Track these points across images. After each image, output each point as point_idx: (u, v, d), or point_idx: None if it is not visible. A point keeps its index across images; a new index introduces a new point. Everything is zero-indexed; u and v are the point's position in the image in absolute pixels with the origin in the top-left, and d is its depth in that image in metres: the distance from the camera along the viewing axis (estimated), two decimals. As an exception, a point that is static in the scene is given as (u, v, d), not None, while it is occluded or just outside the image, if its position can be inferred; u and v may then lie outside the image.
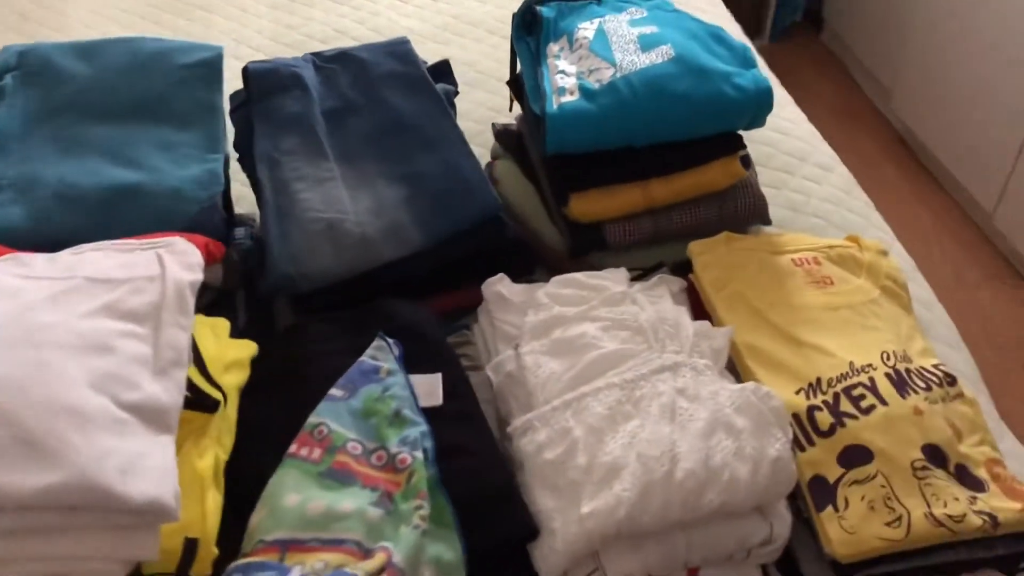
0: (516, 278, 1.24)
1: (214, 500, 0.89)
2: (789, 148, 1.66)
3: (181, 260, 0.98)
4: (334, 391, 1.02)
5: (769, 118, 1.70)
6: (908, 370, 1.10)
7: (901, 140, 3.05)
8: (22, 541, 0.76)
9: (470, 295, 1.25)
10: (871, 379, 1.08)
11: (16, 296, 0.88)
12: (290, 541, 0.88)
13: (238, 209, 1.40)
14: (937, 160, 2.84)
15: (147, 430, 0.83)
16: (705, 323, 1.13)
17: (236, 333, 1.13)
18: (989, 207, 2.61)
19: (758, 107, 1.29)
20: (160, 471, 0.80)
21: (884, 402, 1.05)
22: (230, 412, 0.99)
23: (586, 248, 1.36)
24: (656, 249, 1.36)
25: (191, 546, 0.84)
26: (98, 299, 0.90)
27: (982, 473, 1.04)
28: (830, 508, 0.99)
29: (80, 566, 0.79)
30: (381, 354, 1.07)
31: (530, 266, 1.36)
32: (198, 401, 0.93)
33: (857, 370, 1.09)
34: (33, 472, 0.74)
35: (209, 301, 1.19)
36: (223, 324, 1.09)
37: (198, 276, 0.98)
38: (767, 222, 1.42)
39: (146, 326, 0.90)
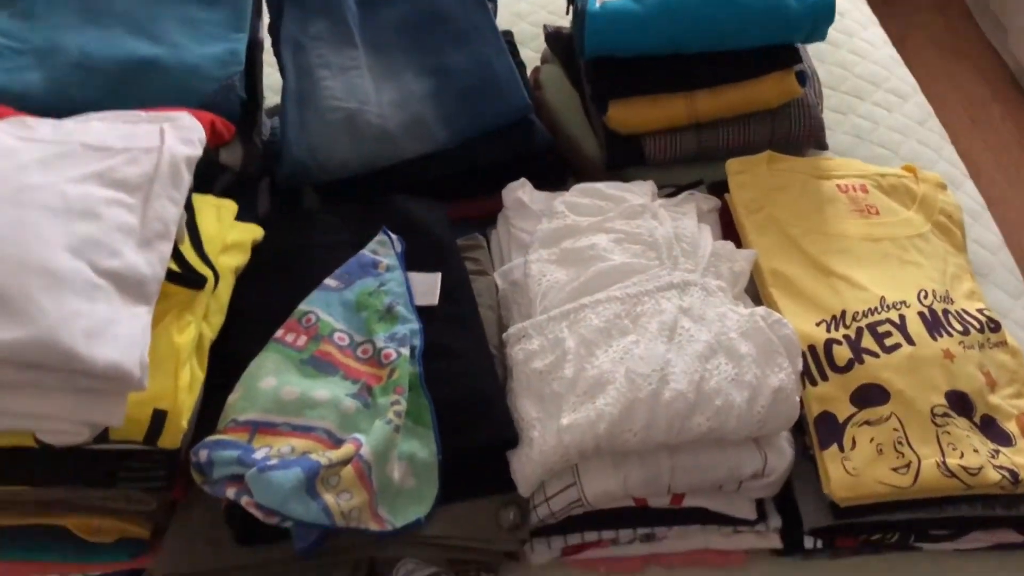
0: (547, 189, 1.18)
1: (191, 375, 0.88)
2: (863, 71, 1.54)
3: (182, 134, 0.96)
4: (329, 281, 1.00)
5: (846, 39, 1.59)
6: (946, 311, 1.02)
7: (1014, 81, 2.82)
8: (-15, 393, 0.76)
9: (497, 204, 1.20)
10: (901, 316, 0.99)
11: (9, 156, 0.88)
12: (261, 423, 0.87)
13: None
14: (1050, 104, 2.61)
15: (122, 298, 0.82)
16: (728, 244, 1.06)
17: (255, 221, 1.12)
18: (1101, 159, 2.39)
19: (816, 18, 1.18)
20: (128, 339, 0.79)
21: (911, 342, 0.97)
22: (222, 292, 0.98)
23: (624, 161, 1.29)
24: (699, 168, 1.28)
25: (159, 417, 0.83)
26: (91, 166, 0.89)
27: (1012, 427, 0.95)
28: (835, 447, 0.92)
29: (46, 425, 0.79)
30: (382, 249, 1.04)
31: (563, 177, 1.30)
32: (186, 276, 0.92)
33: (888, 306, 1.01)
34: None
35: (228, 184, 1.18)
36: (230, 206, 1.07)
37: (197, 151, 0.96)
38: (823, 147, 1.32)
39: (136, 196, 0.89)
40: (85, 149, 0.92)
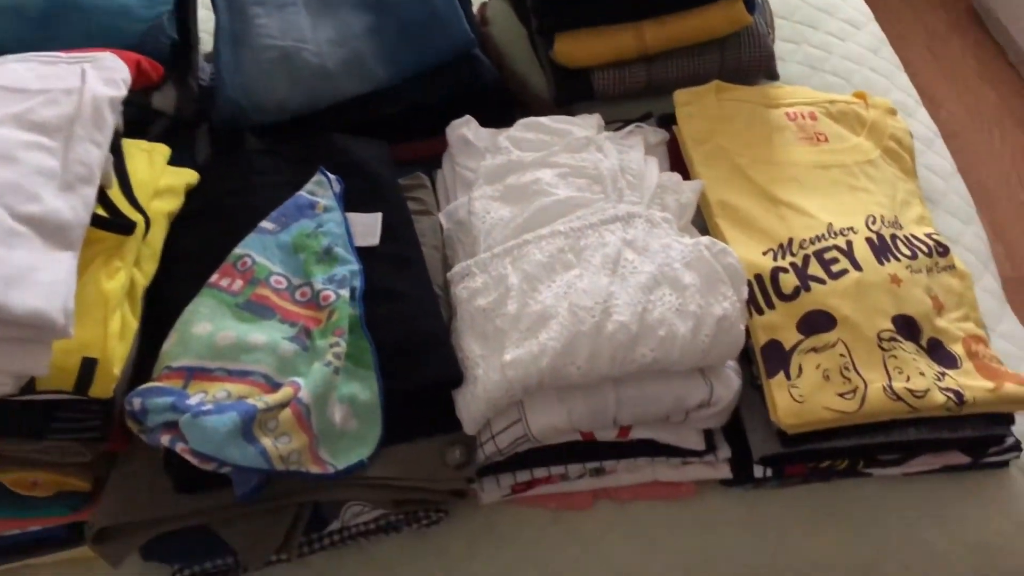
0: (494, 127, 1.15)
1: (122, 323, 0.86)
2: (816, 1, 1.51)
3: (105, 75, 0.93)
4: (265, 224, 0.97)
5: (802, -33, 1.56)
6: (894, 236, 1.01)
7: (974, 12, 2.80)
8: (-99, 345, 0.74)
9: (443, 144, 1.17)
10: (849, 243, 0.98)
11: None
12: (196, 369, 0.85)
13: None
14: (1010, 36, 2.60)
15: (44, 244, 0.79)
16: (675, 175, 1.05)
17: (192, 168, 1.08)
18: (1060, 89, 2.39)
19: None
20: (49, 285, 0.76)
21: (858, 267, 0.96)
22: (154, 238, 0.95)
23: (572, 96, 1.26)
24: (650, 102, 1.26)
25: (89, 366, 0.81)
26: (7, 108, 0.86)
27: (958, 349, 0.95)
28: (782, 375, 0.92)
29: (-34, 375, 0.77)
30: (320, 189, 1.01)
31: (511, 115, 1.27)
32: (113, 222, 0.89)
33: (835, 232, 1.00)
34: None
35: (163, 130, 1.14)
36: (162, 150, 1.04)
37: (121, 92, 0.92)
38: (774, 76, 1.30)
39: (56, 139, 0.86)
40: (1, 91, 0.88)
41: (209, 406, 0.80)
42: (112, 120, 0.91)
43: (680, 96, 1.15)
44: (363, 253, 0.97)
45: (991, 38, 2.73)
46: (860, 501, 0.97)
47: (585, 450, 0.92)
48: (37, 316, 0.74)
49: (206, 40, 1.30)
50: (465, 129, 1.13)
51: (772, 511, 0.97)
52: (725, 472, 0.96)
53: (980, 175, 2.29)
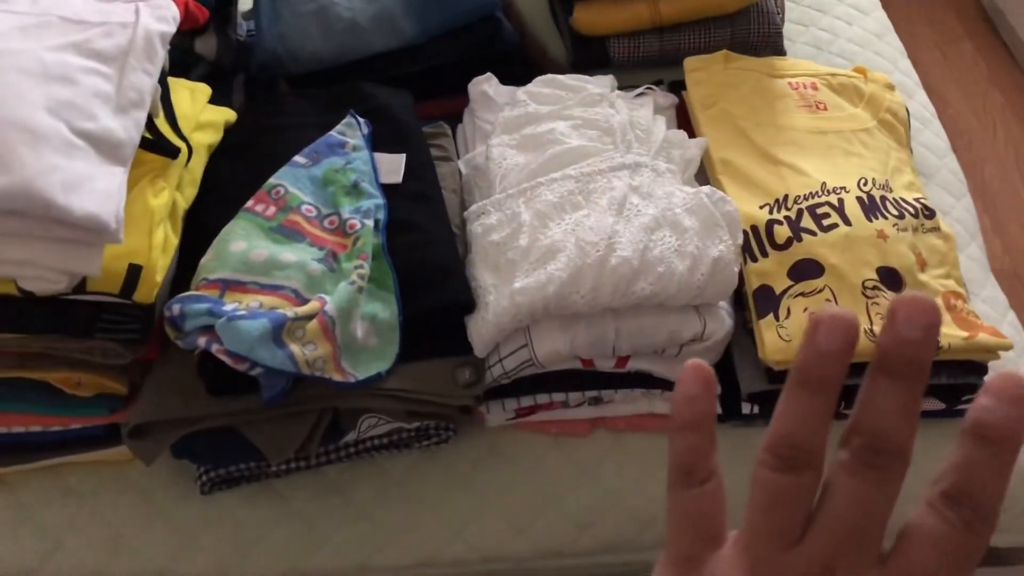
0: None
1: (164, 236, 0.93)
2: (826, -14, 1.58)
3: (156, 12, 1.00)
4: (298, 158, 1.05)
5: (812, -45, 1.62)
6: (883, 197, 1.08)
7: (986, 16, 2.86)
8: (-31, 239, 0.81)
9: (463, 103, 1.25)
10: (840, 200, 1.05)
11: (-10, 20, 0.91)
12: (231, 281, 0.93)
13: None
14: (1019, 39, 2.66)
15: (99, 158, 0.87)
16: (680, 132, 1.12)
17: (228, 113, 1.16)
18: (1066, 92, 2.44)
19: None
20: (104, 193, 0.84)
21: (848, 222, 1.03)
22: (195, 166, 1.03)
23: (589, 62, 1.33)
24: (662, 71, 1.33)
25: (134, 272, 0.89)
26: (68, 37, 0.93)
27: (937, 302, 1.01)
28: (771, 316, 0.99)
29: (27, 271, 0.84)
30: (349, 130, 1.09)
31: (528, 78, 1.34)
32: (159, 144, 0.97)
33: (828, 191, 1.06)
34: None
35: (202, 75, 1.22)
36: (204, 89, 1.11)
37: (170, 28, 1.00)
38: (780, 53, 1.36)
39: (111, 67, 0.93)
40: (62, 21, 0.95)
41: (243, 312, 0.87)
42: (162, 53, 0.99)
43: (690, 62, 1.22)
44: (387, 189, 1.04)
45: (1001, 41, 2.79)
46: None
47: (585, 378, 0.99)
48: (93, 219, 0.82)
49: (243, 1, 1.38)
50: (486, 85, 1.20)
51: (756, 447, 1.04)
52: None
53: (984, 173, 2.36)
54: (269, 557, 0.99)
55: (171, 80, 1.06)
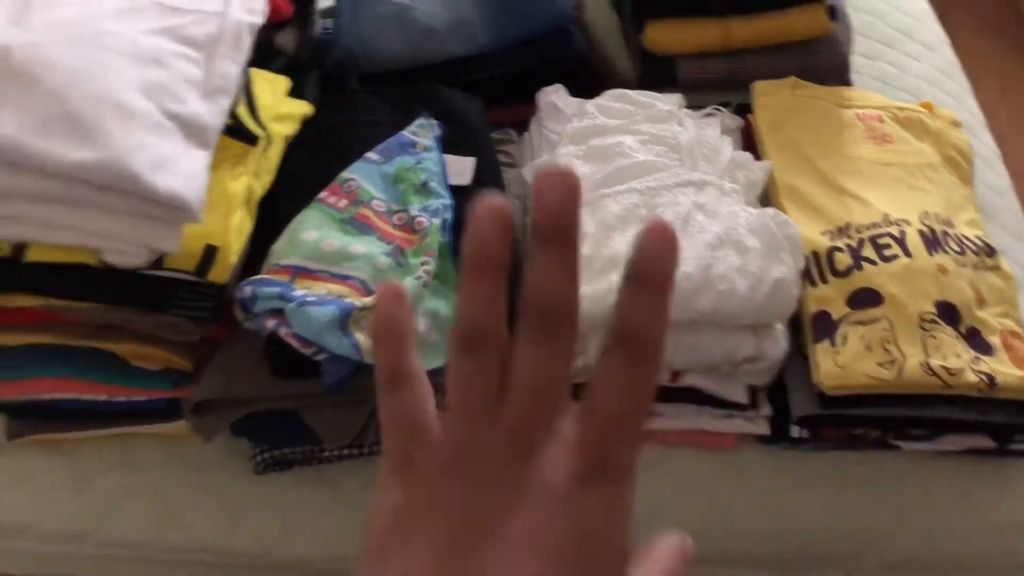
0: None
1: (241, 220, 0.96)
2: (895, 21, 1.58)
3: (246, 3, 1.04)
4: (370, 155, 1.07)
5: (881, -12, 1.63)
6: (945, 232, 1.08)
7: (1050, 61, 2.84)
8: (58, 208, 0.85)
9: (529, 112, 1.27)
10: (902, 232, 1.06)
11: (89, 4, 0.95)
12: (302, 268, 0.95)
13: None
14: (1083, 88, 2.64)
15: (185, 140, 0.90)
16: (746, 154, 1.13)
17: (302, 106, 1.19)
18: None
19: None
20: (189, 174, 0.87)
21: (908, 254, 1.03)
22: (272, 155, 1.05)
23: (656, 80, 1.35)
24: (726, 94, 1.34)
25: (210, 252, 0.92)
26: (161, 22, 0.97)
27: (995, 340, 1.02)
28: (827, 342, 0.99)
29: (108, 243, 0.88)
30: (422, 131, 1.11)
31: (596, 91, 1.36)
32: (240, 131, 1.00)
33: (890, 222, 1.07)
34: (74, 147, 0.82)
35: (280, 69, 1.25)
36: (283, 81, 1.14)
37: (257, 20, 1.03)
38: (846, 84, 1.37)
39: (201, 53, 0.97)
40: (157, 7, 0.99)
41: (313, 298, 0.90)
42: (249, 43, 1.02)
43: (759, 87, 1.23)
44: (455, 190, 1.06)
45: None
46: (886, 471, 1.04)
47: (638, 389, 1.00)
48: (176, 198, 0.85)
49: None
50: (555, 96, 1.22)
51: (802, 471, 1.04)
52: (764, 429, 1.03)
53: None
54: (315, 541, 1.01)
55: (252, 70, 1.09)
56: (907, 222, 1.07)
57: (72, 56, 0.88)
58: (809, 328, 1.01)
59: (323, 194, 1.02)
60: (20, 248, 0.88)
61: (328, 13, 1.41)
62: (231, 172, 0.98)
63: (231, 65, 0.98)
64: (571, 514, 0.30)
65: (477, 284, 0.31)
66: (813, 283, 1.03)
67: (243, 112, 1.03)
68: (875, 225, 1.06)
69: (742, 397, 1.01)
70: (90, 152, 0.82)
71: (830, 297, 1.02)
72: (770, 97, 1.22)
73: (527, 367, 0.31)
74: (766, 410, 1.03)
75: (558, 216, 0.30)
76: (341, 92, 1.22)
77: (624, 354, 0.30)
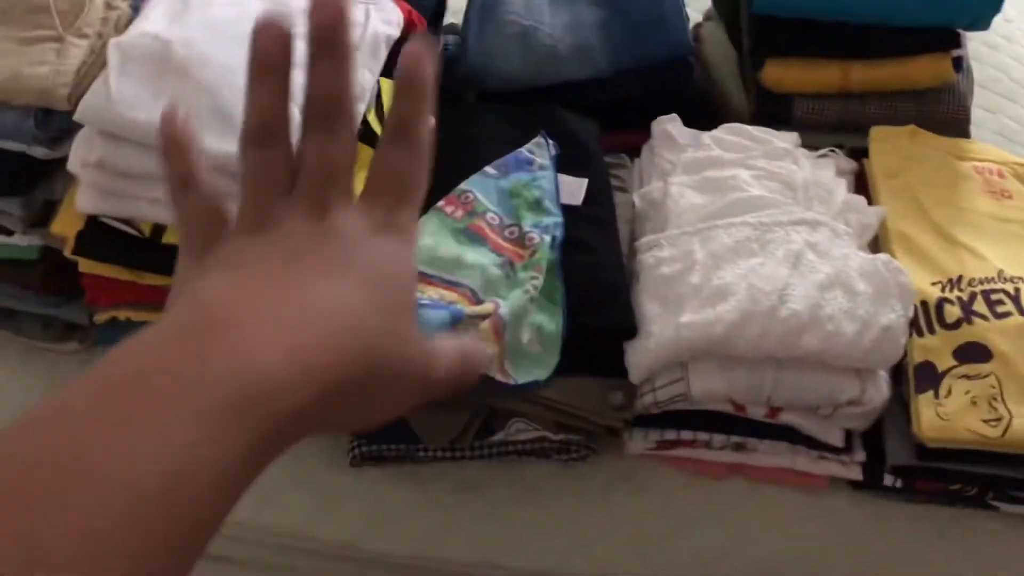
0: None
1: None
2: (1019, 76, 1.55)
3: (384, 16, 1.08)
4: (488, 169, 1.11)
5: (1007, 44, 1.61)
6: (1062, 295, 1.06)
7: None
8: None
9: (643, 139, 1.29)
10: (1017, 289, 1.04)
11: (239, 4, 1.01)
12: (419, 271, 0.98)
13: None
14: None
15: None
16: (860, 197, 1.12)
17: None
18: None
19: (983, 4, 1.22)
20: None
21: (1023, 313, 1.02)
22: (395, 161, 1.09)
23: (770, 118, 1.34)
24: (840, 136, 1.34)
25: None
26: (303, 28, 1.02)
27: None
28: (930, 393, 0.98)
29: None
30: (539, 150, 1.14)
31: (709, 123, 1.37)
32: (364, 133, 1.04)
33: (1005, 278, 1.05)
34: (220, 139, 0.87)
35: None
36: (409, 92, 1.19)
37: (394, 32, 1.08)
38: (965, 135, 1.35)
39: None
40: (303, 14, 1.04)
41: (426, 300, 0.93)
42: (384, 54, 1.06)
43: (877, 132, 1.23)
44: (567, 209, 1.08)
45: None
46: (981, 531, 1.02)
47: (733, 422, 1.01)
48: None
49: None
50: (670, 125, 1.23)
51: (892, 521, 1.03)
52: (856, 474, 1.02)
53: None
54: (400, 537, 1.04)
55: (381, 79, 1.14)
56: (1023, 280, 1.05)
57: (224, 54, 0.94)
58: (912, 378, 1.00)
59: (440, 203, 1.06)
60: (160, 230, 0.93)
61: (449, 30, 1.46)
62: (358, 175, 1.01)
63: (367, 74, 1.02)
64: (366, 252, 0.36)
65: (261, 85, 0.35)
66: (920, 333, 1.02)
67: (372, 118, 1.07)
68: (989, 280, 1.05)
69: (838, 440, 1.00)
70: (234, 145, 0.87)
71: (936, 348, 1.01)
72: (887, 143, 1.21)
73: (313, 153, 0.36)
74: (860, 455, 1.02)
75: (328, 30, 0.34)
76: (461, 107, 1.25)
77: (402, 147, 0.37)
